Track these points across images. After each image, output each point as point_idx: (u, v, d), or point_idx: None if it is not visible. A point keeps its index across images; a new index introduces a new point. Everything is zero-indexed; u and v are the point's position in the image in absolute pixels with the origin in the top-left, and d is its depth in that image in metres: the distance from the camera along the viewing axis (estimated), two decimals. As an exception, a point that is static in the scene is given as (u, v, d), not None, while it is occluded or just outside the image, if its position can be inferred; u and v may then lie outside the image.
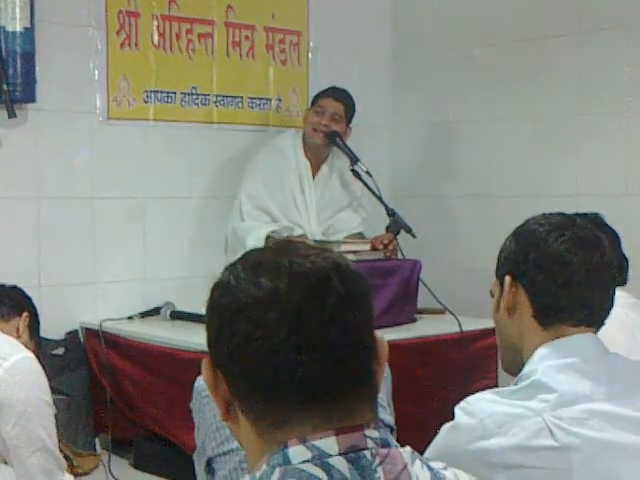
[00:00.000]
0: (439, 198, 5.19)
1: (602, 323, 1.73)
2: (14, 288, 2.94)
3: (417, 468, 1.13)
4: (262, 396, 1.12)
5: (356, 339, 1.13)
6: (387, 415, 2.24)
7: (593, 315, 1.71)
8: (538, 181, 4.70)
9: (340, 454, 1.09)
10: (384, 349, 1.18)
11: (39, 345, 2.89)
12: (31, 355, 2.58)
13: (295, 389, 1.11)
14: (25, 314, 2.82)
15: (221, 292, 1.17)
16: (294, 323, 1.10)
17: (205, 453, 2.01)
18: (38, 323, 2.90)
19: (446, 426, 1.66)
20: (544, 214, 1.77)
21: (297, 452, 1.09)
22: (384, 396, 2.28)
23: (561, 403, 1.58)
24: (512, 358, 1.78)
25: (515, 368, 1.76)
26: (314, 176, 4.47)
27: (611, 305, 1.73)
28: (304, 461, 1.08)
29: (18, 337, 2.74)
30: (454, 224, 5.13)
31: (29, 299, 2.92)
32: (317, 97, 4.45)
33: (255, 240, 4.11)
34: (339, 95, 4.41)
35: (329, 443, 1.10)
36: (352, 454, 1.09)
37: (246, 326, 1.11)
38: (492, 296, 1.80)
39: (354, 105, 4.45)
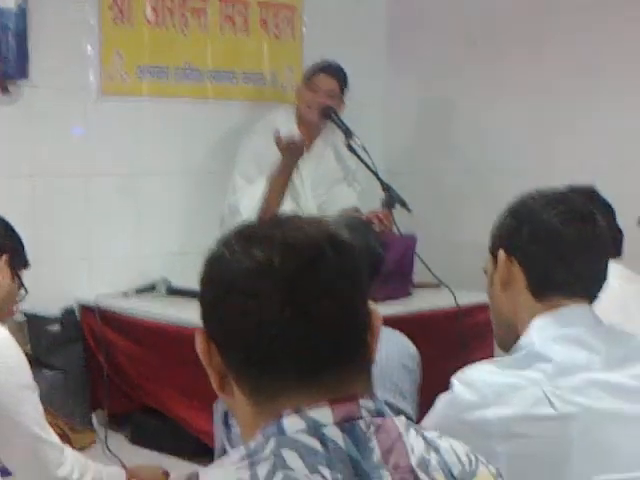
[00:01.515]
0: (434, 174, 5.18)
1: (596, 295, 1.74)
2: None
3: (412, 437, 1.13)
4: (256, 368, 1.13)
5: (350, 310, 1.14)
6: (408, 407, 2.24)
7: (587, 287, 1.72)
8: (533, 157, 4.70)
9: (335, 424, 1.10)
10: (378, 320, 1.19)
11: (20, 280, 2.58)
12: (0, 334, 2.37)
13: (289, 360, 1.11)
14: (4, 257, 2.51)
15: (214, 264, 1.17)
16: (287, 294, 1.10)
17: (223, 404, 2.02)
18: (22, 256, 2.61)
19: (443, 397, 1.66)
20: (537, 190, 1.77)
21: (292, 422, 1.10)
22: (407, 386, 2.28)
23: (559, 373, 1.59)
24: (506, 334, 1.78)
25: (509, 344, 1.76)
26: (308, 151, 4.46)
27: (605, 277, 1.74)
28: (299, 431, 1.09)
29: None
30: (449, 199, 5.13)
31: (12, 232, 2.62)
32: (310, 73, 4.42)
33: (249, 201, 4.12)
34: (333, 71, 4.38)
35: (324, 413, 1.10)
36: (346, 424, 1.10)
37: (239, 298, 1.12)
38: (486, 273, 1.80)
39: (347, 79, 4.43)
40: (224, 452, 2.02)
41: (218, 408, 2.07)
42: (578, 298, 1.70)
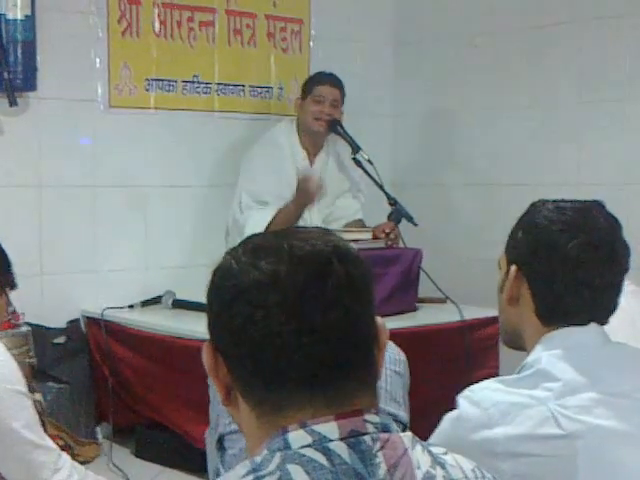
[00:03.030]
0: (440, 187, 5.18)
1: (606, 320, 1.72)
2: None
3: (418, 453, 1.13)
4: (262, 380, 1.12)
5: (356, 323, 1.13)
6: (401, 411, 2.23)
7: (597, 317, 1.69)
8: (539, 169, 4.70)
9: (340, 439, 1.09)
10: (385, 334, 1.18)
11: (7, 298, 2.55)
12: None
13: (295, 373, 1.10)
14: None
15: (222, 275, 1.17)
16: (294, 306, 1.10)
17: (217, 429, 2.01)
18: (9, 274, 2.53)
19: (449, 415, 1.65)
20: (557, 205, 1.71)
21: (297, 437, 1.09)
22: (400, 391, 2.27)
23: (565, 392, 1.58)
24: (512, 336, 1.78)
25: (515, 344, 1.76)
26: (311, 164, 4.46)
27: (616, 306, 1.71)
28: (304, 446, 1.08)
29: None
30: (455, 213, 5.12)
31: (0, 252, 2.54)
32: (311, 85, 4.41)
33: (254, 225, 4.10)
34: (335, 81, 4.39)
35: (329, 428, 1.09)
36: (352, 439, 1.09)
37: (246, 309, 1.11)
38: (499, 267, 1.78)
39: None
40: (218, 476, 2.02)
41: (213, 436, 2.07)
42: (587, 326, 1.68)
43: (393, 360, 2.33)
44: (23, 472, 2.35)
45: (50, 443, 2.40)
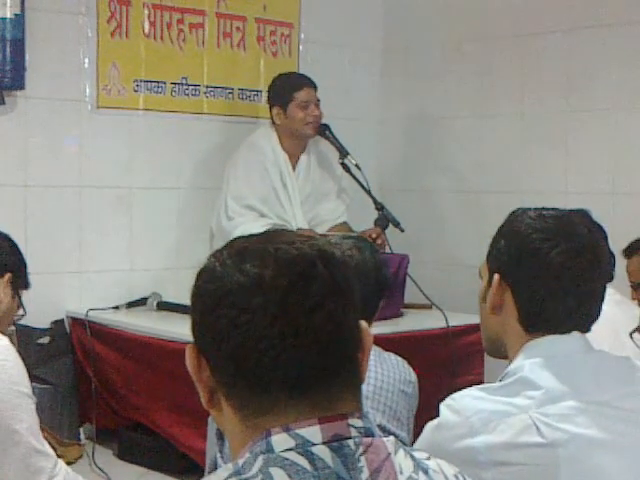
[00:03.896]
0: (427, 193, 5.19)
1: (589, 329, 1.72)
2: (4, 242, 2.66)
3: (400, 457, 1.13)
4: (246, 383, 1.12)
5: (340, 327, 1.13)
6: (403, 431, 2.23)
7: (580, 324, 1.69)
8: (525, 177, 4.71)
9: (323, 443, 1.09)
10: (368, 338, 1.18)
11: (20, 300, 2.62)
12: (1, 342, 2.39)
13: (279, 376, 1.11)
14: (8, 275, 2.55)
15: (206, 278, 1.16)
16: (278, 309, 1.10)
17: None
18: (24, 277, 2.65)
19: (431, 424, 1.65)
20: (538, 213, 1.72)
21: (280, 440, 1.09)
22: (405, 411, 2.27)
23: (547, 400, 1.58)
24: (495, 345, 1.78)
25: (497, 352, 1.76)
26: (294, 168, 4.44)
27: (599, 313, 1.72)
28: (287, 449, 1.08)
29: None
30: (442, 219, 5.13)
31: (16, 251, 2.66)
32: (290, 91, 4.32)
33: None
34: (309, 81, 4.37)
35: (313, 432, 1.09)
36: (335, 443, 1.09)
37: (230, 312, 1.11)
38: (480, 277, 1.78)
39: None
40: (215, 466, 2.01)
41: (213, 422, 2.06)
42: (569, 333, 1.69)
43: (403, 380, 2.33)
44: (20, 476, 2.33)
45: (49, 449, 2.40)
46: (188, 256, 4.53)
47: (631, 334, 2.62)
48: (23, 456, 2.32)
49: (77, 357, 4.31)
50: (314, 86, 4.36)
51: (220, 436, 2.01)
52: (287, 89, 4.35)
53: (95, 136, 4.44)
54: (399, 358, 2.41)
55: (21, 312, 2.67)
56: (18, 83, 4.14)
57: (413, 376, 2.40)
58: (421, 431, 1.67)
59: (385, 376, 2.28)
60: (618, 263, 2.47)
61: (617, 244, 2.55)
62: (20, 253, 2.67)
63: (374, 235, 4.16)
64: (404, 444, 2.05)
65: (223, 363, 1.13)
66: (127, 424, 4.18)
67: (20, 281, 2.62)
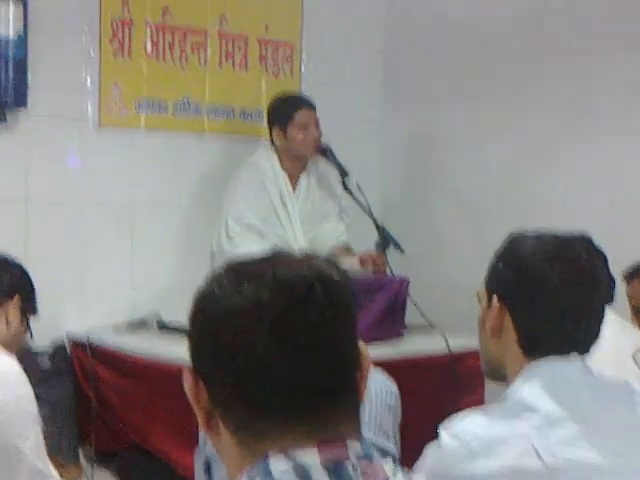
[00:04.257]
0: (428, 214, 5.18)
1: (588, 349, 1.71)
2: (15, 266, 2.72)
3: (399, 482, 1.12)
4: (243, 405, 1.11)
5: (339, 349, 1.12)
6: (391, 445, 2.21)
7: (579, 347, 1.69)
8: (526, 196, 4.70)
9: (321, 465, 1.08)
10: (367, 360, 1.18)
11: (28, 326, 2.68)
12: (7, 362, 2.38)
13: (275, 398, 1.10)
14: (17, 297, 2.60)
15: (204, 300, 1.16)
16: (276, 332, 1.09)
17: (205, 451, 1.99)
18: (32, 301, 2.70)
19: (430, 448, 1.63)
20: (536, 236, 1.72)
21: (278, 463, 1.09)
22: (390, 425, 2.25)
23: (548, 424, 1.57)
24: (494, 368, 1.77)
25: (497, 375, 1.76)
26: (294, 188, 4.44)
27: (598, 336, 1.71)
28: (284, 471, 1.07)
29: (7, 324, 2.57)
30: (443, 239, 5.12)
31: (26, 277, 2.72)
32: (289, 112, 4.31)
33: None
34: (308, 102, 4.37)
35: (310, 454, 1.09)
36: (333, 466, 1.08)
37: (228, 334, 1.11)
38: (479, 300, 1.78)
39: None
40: None
41: (200, 456, 2.05)
42: (568, 354, 1.68)
43: (386, 392, 2.31)
44: None
45: (52, 470, 2.41)
46: (190, 274, 4.51)
47: (634, 356, 2.61)
48: (29, 477, 2.31)
49: (77, 377, 4.29)
50: (313, 107, 4.36)
51: (207, 470, 1.99)
52: (286, 110, 4.34)
53: (97, 155, 4.44)
54: (378, 368, 2.39)
55: (28, 337, 2.70)
56: (20, 101, 4.15)
57: (394, 387, 2.38)
58: (418, 449, 1.66)
59: (369, 390, 2.27)
60: (618, 285, 2.46)
61: (618, 264, 2.54)
62: (30, 279, 2.73)
63: (374, 257, 4.17)
64: (395, 458, 2.04)
65: (221, 386, 1.13)
66: (126, 446, 4.16)
67: (28, 305, 2.68)
